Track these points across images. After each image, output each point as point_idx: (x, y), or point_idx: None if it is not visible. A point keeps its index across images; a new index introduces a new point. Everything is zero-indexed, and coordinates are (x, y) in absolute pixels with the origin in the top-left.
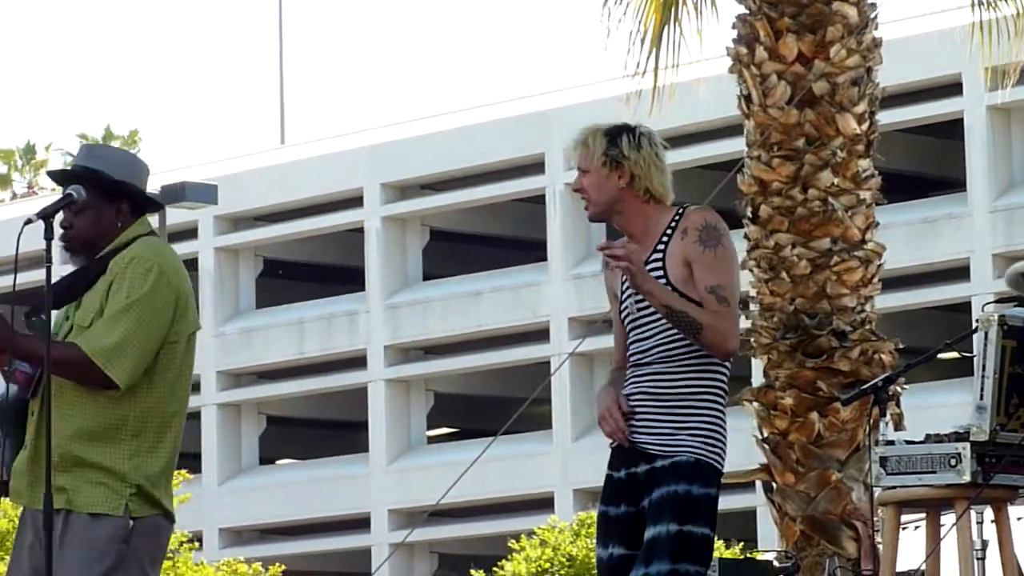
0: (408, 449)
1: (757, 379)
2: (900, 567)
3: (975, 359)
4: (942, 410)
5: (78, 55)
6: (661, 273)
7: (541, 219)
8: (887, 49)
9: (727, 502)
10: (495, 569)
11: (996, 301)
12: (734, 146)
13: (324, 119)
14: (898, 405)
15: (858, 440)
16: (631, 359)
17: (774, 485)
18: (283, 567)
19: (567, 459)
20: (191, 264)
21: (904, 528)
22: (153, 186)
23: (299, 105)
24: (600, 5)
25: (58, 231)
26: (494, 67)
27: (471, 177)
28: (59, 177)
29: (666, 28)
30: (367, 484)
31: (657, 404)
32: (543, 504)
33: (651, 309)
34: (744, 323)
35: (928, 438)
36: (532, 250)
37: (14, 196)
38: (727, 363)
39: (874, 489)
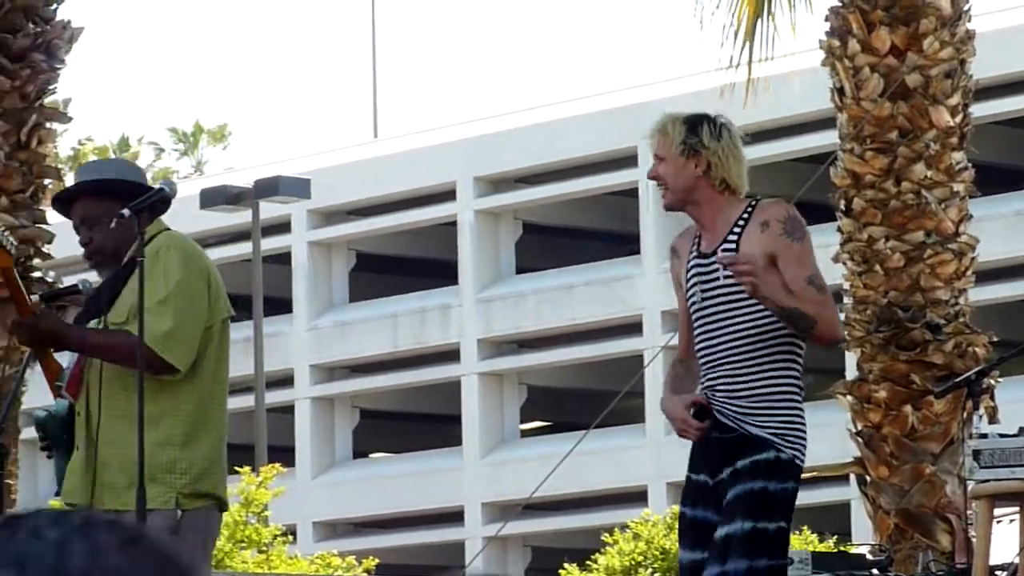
0: (501, 443)
1: (851, 372)
2: (993, 560)
3: None
4: None
5: (169, 49)
6: None
7: (634, 212)
8: (980, 41)
9: (821, 495)
10: (588, 562)
11: None
12: (827, 139)
13: (417, 113)
14: (992, 398)
15: (952, 433)
16: (699, 352)
17: (868, 478)
18: (376, 560)
19: (660, 452)
20: (284, 258)
21: (998, 521)
22: (246, 180)
23: (392, 99)
24: None
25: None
26: (587, 61)
27: (564, 171)
28: (67, 195)
29: (759, 21)
30: (460, 477)
31: (735, 401)
32: (636, 497)
33: (718, 300)
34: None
35: (1022, 431)
36: (625, 243)
37: None
38: (801, 355)
39: (968, 482)
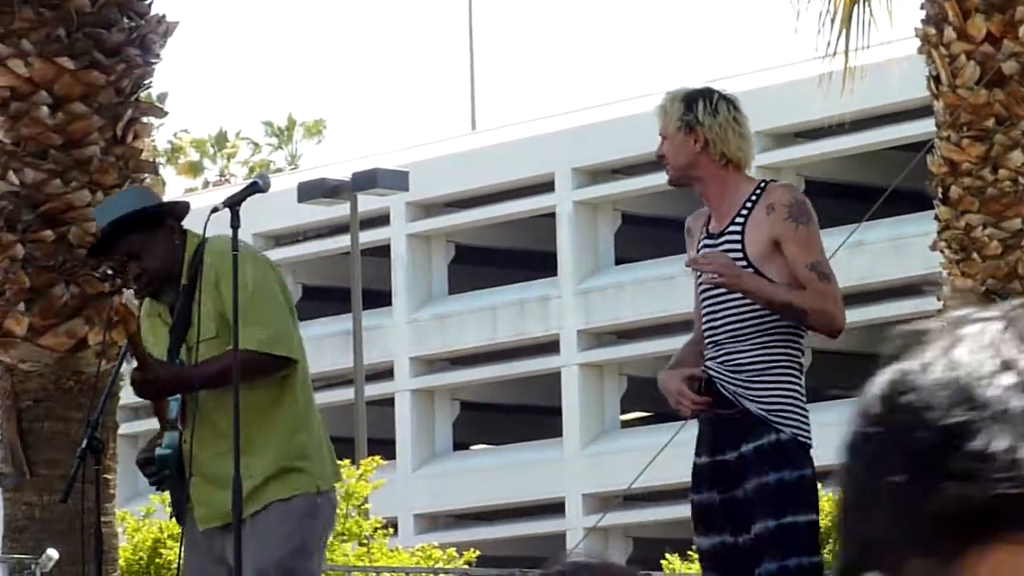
0: (601, 433)
1: None
2: None
3: None
4: None
5: (266, 43)
6: (739, 246)
7: None
8: None
9: None
10: (690, 552)
11: None
12: (924, 127)
13: (515, 104)
14: None
15: None
16: (705, 331)
17: None
18: (477, 552)
19: None
20: (383, 251)
21: None
22: (344, 173)
23: (490, 90)
24: None
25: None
26: (683, 50)
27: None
28: (104, 243)
29: (856, 8)
30: (561, 469)
31: (734, 375)
32: None
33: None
34: (936, 304)
35: None
36: None
37: (206, 184)
38: (802, 337)
39: None
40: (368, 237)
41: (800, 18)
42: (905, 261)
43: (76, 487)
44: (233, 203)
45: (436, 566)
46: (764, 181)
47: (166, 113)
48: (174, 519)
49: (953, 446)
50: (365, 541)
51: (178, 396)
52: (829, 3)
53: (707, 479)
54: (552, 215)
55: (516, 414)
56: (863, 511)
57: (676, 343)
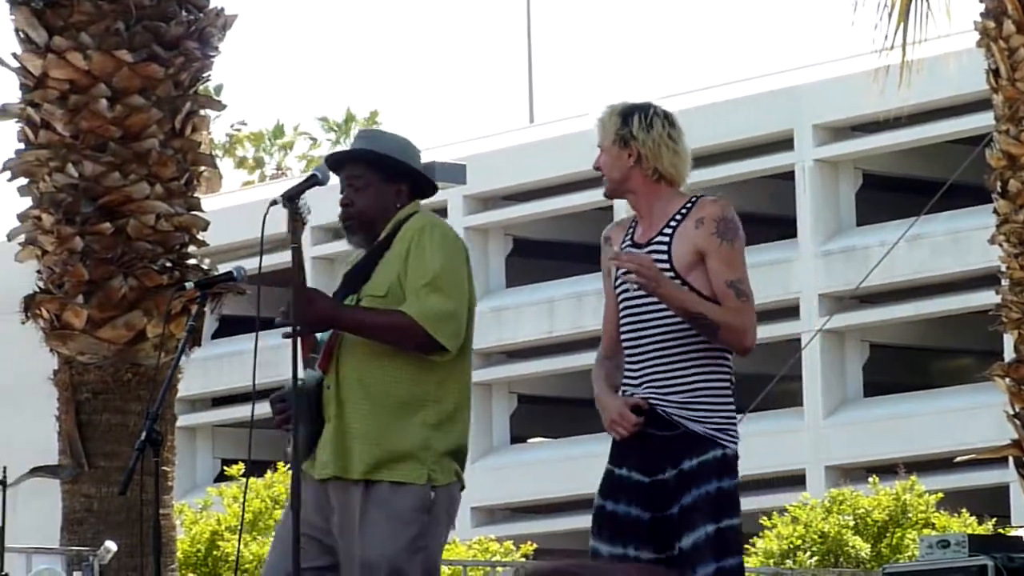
0: None
1: (1008, 354)
2: None
3: None
4: None
5: (322, 36)
6: (665, 256)
7: (790, 195)
8: None
9: (979, 478)
10: (747, 546)
11: None
12: (983, 120)
13: (573, 97)
14: None
15: None
16: (626, 344)
17: None
18: (534, 545)
19: (818, 436)
20: None
21: None
22: None
23: (548, 83)
24: None
25: (335, 209)
26: (739, 43)
27: (719, 155)
28: (340, 158)
29: (913, 2)
30: None
31: (671, 396)
32: (795, 481)
33: (649, 297)
34: (994, 298)
35: None
36: (780, 227)
37: (263, 178)
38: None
39: None
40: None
41: (857, 11)
42: (963, 255)
43: (134, 479)
44: (292, 196)
45: (493, 559)
46: (696, 196)
47: (224, 106)
48: (287, 458)
49: None
50: None
51: (323, 339)
52: None
53: (630, 494)
54: (610, 208)
55: (574, 407)
56: None
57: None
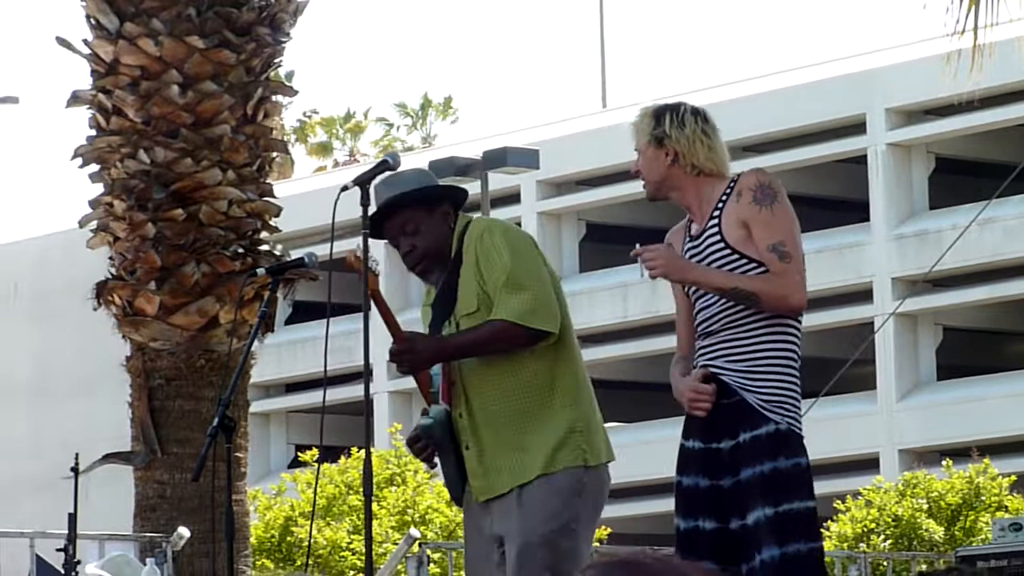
0: None
1: None
2: None
3: None
4: None
5: (395, 22)
6: (719, 238)
7: (863, 179)
8: None
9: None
10: (821, 529)
11: None
12: None
13: (646, 82)
14: None
15: None
16: (699, 331)
17: None
18: (608, 530)
19: (891, 420)
20: None
21: None
22: (475, 151)
23: (621, 68)
24: None
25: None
26: (815, 28)
27: (792, 139)
28: (377, 217)
29: None
30: None
31: (732, 368)
32: (868, 465)
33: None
34: None
35: None
36: (855, 211)
37: (336, 164)
38: (798, 321)
39: None
40: (499, 215)
41: None
42: None
43: (207, 466)
44: (363, 181)
45: None
46: (736, 175)
47: (296, 92)
48: (450, 495)
49: None
50: None
51: (439, 370)
52: None
53: (696, 464)
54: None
55: (647, 391)
56: None
57: (808, 320)
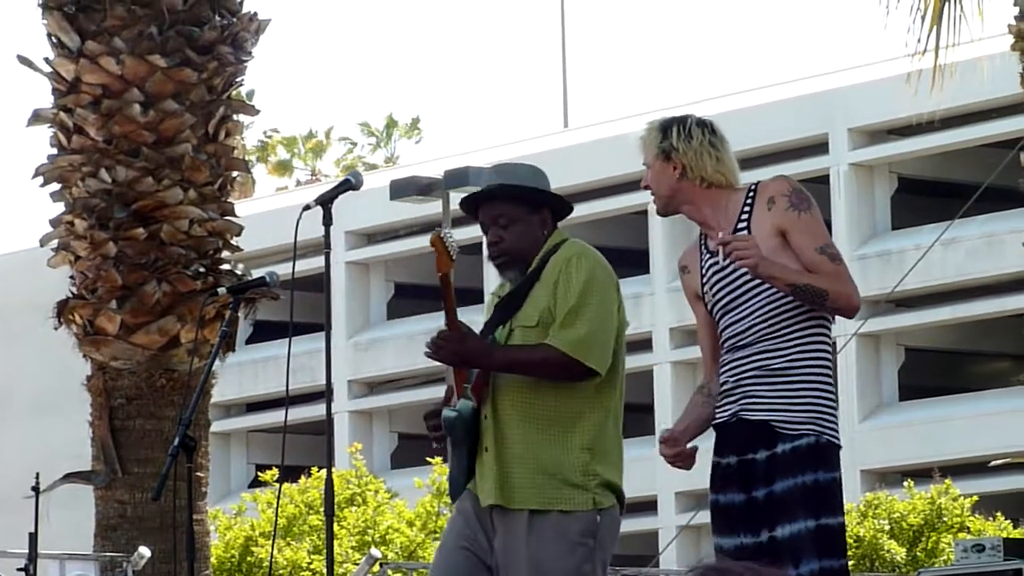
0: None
1: None
2: None
3: None
4: None
5: (359, 43)
6: None
7: (824, 201)
8: None
9: (1015, 482)
10: None
11: None
12: (1017, 124)
13: (608, 102)
14: None
15: None
16: (726, 345)
17: None
18: None
19: (853, 440)
20: (476, 248)
21: None
22: (436, 171)
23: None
24: None
25: (477, 247)
26: (774, 49)
27: (752, 159)
28: (474, 199)
29: (946, 6)
30: (654, 467)
31: (768, 381)
32: None
33: (740, 284)
34: None
35: None
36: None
37: (297, 183)
38: (829, 331)
39: None
40: (461, 235)
41: (890, 15)
42: (998, 258)
43: (168, 485)
44: (325, 201)
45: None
46: (753, 184)
47: (258, 111)
48: (448, 490)
49: None
50: None
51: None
52: (919, 0)
53: (733, 479)
54: (645, 212)
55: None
56: None
57: None
